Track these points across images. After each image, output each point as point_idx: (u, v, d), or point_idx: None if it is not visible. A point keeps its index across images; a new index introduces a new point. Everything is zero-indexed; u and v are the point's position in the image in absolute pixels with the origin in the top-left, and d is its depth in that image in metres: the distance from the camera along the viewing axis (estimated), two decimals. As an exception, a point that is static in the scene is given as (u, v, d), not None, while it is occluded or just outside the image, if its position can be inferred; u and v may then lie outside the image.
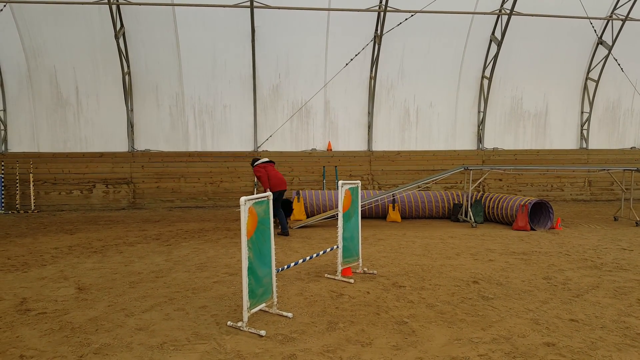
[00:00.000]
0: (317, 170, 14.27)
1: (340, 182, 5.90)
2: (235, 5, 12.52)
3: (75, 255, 7.65)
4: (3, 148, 13.86)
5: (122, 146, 13.88)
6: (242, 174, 14.05)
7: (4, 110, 13.81)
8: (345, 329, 4.35)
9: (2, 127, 13.82)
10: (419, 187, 11.51)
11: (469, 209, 10.52)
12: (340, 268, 5.96)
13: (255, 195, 4.45)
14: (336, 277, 5.98)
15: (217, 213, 12.51)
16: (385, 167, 14.71)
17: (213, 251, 7.80)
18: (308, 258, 5.61)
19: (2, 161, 13.61)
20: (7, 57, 13.54)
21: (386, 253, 7.55)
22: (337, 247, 5.93)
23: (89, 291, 5.67)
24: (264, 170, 8.99)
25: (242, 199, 4.24)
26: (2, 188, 13.45)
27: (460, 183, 14.86)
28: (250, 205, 4.35)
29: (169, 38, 13.40)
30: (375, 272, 6.28)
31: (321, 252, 5.95)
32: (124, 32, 13.13)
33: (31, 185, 13.56)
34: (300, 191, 11.41)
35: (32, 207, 13.50)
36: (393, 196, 11.21)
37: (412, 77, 14.64)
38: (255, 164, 9.26)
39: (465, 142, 15.20)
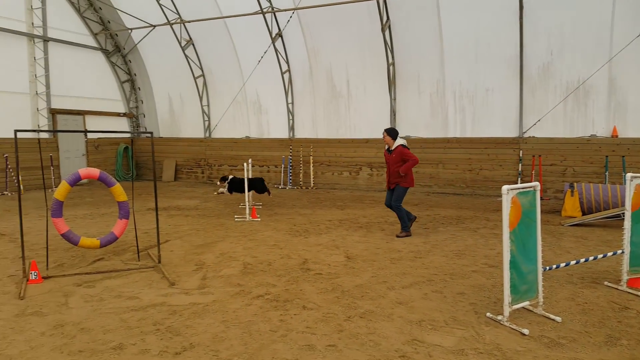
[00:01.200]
0: (596, 161, 12.44)
1: (628, 175, 5.00)
2: (506, -19, 11.84)
3: (344, 228, 8.66)
4: (291, 134, 16.58)
5: (385, 132, 14.87)
6: (504, 162, 13.35)
7: (292, 102, 16.46)
8: (630, 347, 3.74)
9: (291, 117, 16.51)
10: None
11: None
12: (625, 277, 5.08)
13: (519, 185, 4.21)
14: (619, 287, 5.13)
15: (475, 201, 12.26)
16: (698, 160, 11.77)
17: (471, 240, 7.70)
18: (583, 260, 5.01)
19: (290, 145, 16.31)
20: (295, 57, 16.02)
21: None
22: (623, 252, 5.08)
23: (356, 261, 6.36)
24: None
25: (505, 187, 4.07)
26: (290, 167, 16.16)
27: None
28: (513, 195, 4.15)
29: (432, 26, 13.59)
30: (678, 289, 5.13)
31: (600, 256, 5.24)
32: (389, 25, 13.95)
33: (311, 166, 15.88)
34: (575, 184, 10.17)
35: (312, 184, 15.81)
36: None
37: None
38: (400, 142, 7.98)
39: None
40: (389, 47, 14.08)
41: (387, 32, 13.90)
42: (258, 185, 10.54)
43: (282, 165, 16.39)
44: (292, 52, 15.89)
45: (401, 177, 7.80)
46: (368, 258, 6.50)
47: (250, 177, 10.57)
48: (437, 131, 14.26)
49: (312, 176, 15.83)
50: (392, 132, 8.12)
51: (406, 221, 7.97)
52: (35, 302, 4.85)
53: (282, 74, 16.05)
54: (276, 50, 15.63)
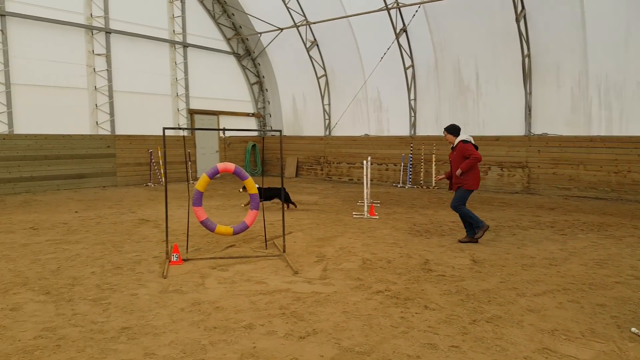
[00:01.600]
0: None
1: None
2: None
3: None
4: (412, 131, 16.42)
5: (518, 130, 14.06)
6: (660, 164, 11.88)
7: (415, 99, 16.29)
8: None
9: (413, 114, 16.35)
10: None
11: None
12: None
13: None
14: None
15: (621, 207, 11.07)
16: None
17: (615, 248, 7.02)
18: None
19: (411, 143, 16.16)
20: (419, 52, 15.84)
21: None
22: None
23: (483, 265, 6.16)
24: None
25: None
26: (410, 166, 16.02)
27: None
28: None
29: (573, 12, 12.52)
30: None
31: None
32: (524, 15, 13.15)
33: (433, 165, 15.58)
34: None
35: (433, 183, 15.51)
36: None
37: None
38: (462, 138, 7.31)
39: None
40: (524, 37, 13.29)
41: (522, 22, 13.15)
42: (277, 194, 10.72)
43: (402, 164, 16.31)
44: (417, 46, 15.75)
45: (461, 178, 7.23)
46: (496, 263, 6.26)
47: (272, 187, 10.90)
48: (578, 128, 13.13)
49: (433, 175, 15.53)
50: (452, 129, 7.52)
51: (472, 224, 7.30)
52: (176, 281, 5.48)
53: (405, 69, 15.98)
54: (400, 45, 15.62)
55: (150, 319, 4.37)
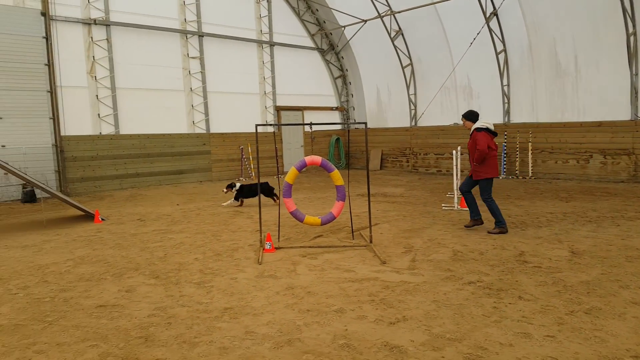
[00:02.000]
0: None
1: None
2: None
3: (569, 222, 8.03)
4: (506, 119, 15.80)
5: (623, 114, 13.04)
6: None
7: (508, 85, 15.65)
8: None
9: (506, 101, 15.72)
10: None
11: None
12: None
13: None
14: None
15: None
16: None
17: None
18: None
19: (505, 131, 15.55)
20: (511, 35, 15.17)
21: None
22: None
23: (582, 256, 5.91)
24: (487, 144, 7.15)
25: None
26: (505, 155, 15.43)
27: None
28: None
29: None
30: None
31: None
32: (632, -13, 12.19)
33: (529, 154, 14.89)
34: None
35: (530, 173, 14.83)
36: None
37: None
38: (478, 125, 7.31)
39: None
40: (628, 14, 12.30)
41: (628, -4, 12.19)
42: (265, 189, 10.61)
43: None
44: (508, 30, 15.12)
45: (477, 167, 7.27)
46: (597, 254, 5.97)
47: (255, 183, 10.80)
48: (696, 110, 11.95)
49: (530, 165, 14.86)
50: (469, 116, 7.55)
51: (500, 216, 7.34)
52: (270, 267, 5.84)
53: (497, 54, 15.41)
54: (490, 30, 15.08)
55: (249, 300, 4.74)
